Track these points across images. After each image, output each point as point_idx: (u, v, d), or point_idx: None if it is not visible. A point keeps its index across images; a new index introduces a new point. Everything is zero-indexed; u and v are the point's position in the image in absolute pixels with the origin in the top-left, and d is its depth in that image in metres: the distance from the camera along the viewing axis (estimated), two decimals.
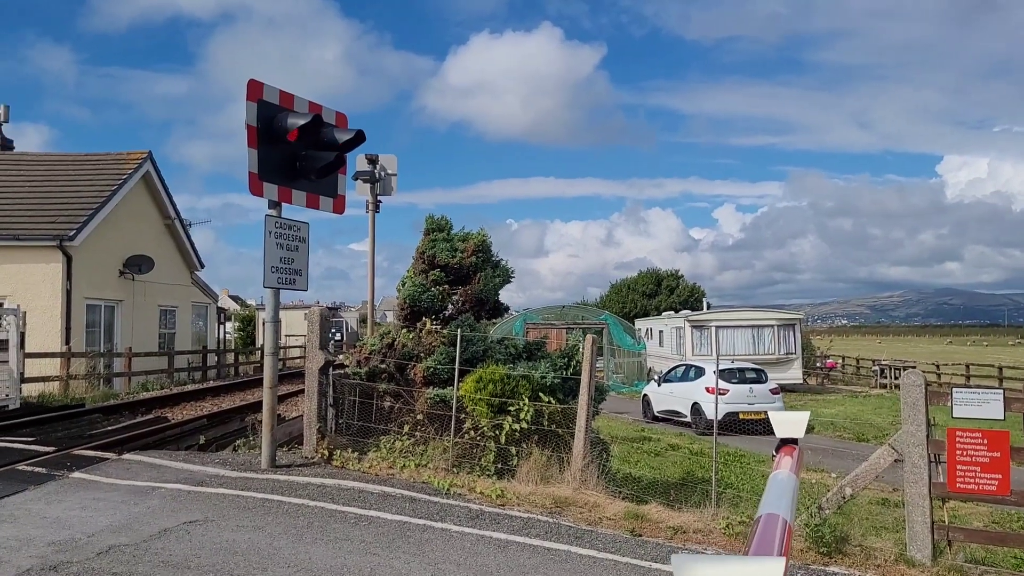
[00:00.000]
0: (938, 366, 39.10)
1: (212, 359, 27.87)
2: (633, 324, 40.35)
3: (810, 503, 7.14)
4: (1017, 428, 8.37)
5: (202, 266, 28.23)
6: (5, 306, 15.68)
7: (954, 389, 6.92)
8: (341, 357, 11.02)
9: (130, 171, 23.06)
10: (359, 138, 8.92)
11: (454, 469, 8.80)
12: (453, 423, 9.24)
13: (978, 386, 15.91)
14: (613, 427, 18.83)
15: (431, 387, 9.81)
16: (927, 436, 6.80)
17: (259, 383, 15.59)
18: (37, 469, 8.53)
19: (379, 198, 15.40)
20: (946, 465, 6.72)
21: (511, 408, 9.09)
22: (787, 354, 30.40)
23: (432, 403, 9.63)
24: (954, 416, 6.77)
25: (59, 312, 19.72)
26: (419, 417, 9.61)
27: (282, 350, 33.33)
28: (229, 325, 46.17)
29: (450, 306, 11.15)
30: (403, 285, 11.08)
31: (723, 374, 19.68)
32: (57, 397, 16.08)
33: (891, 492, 11.67)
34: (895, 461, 6.96)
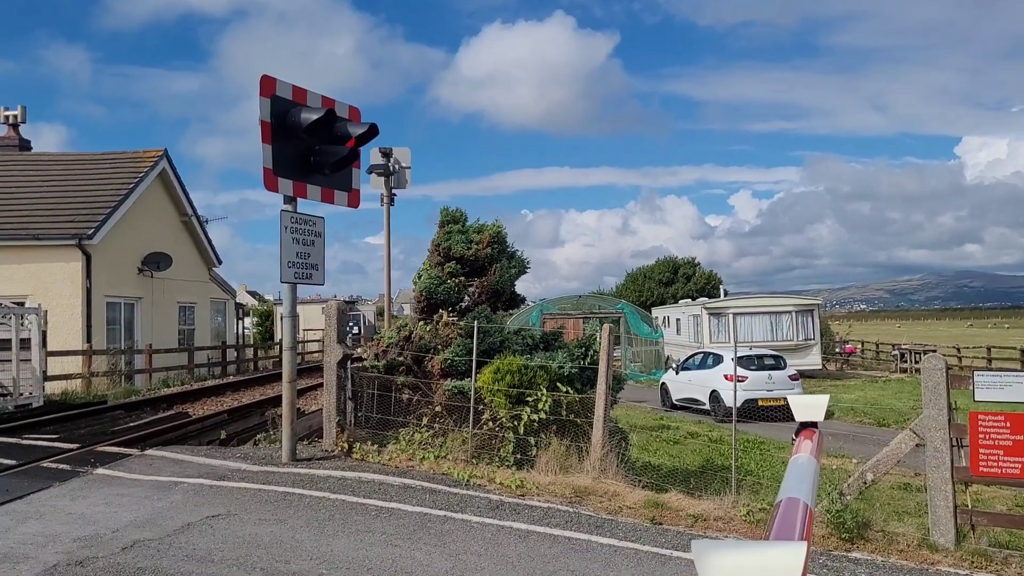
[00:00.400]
0: (959, 349, 38.70)
1: (231, 354, 28.10)
2: (650, 312, 40.20)
3: (831, 489, 7.10)
4: None
5: (220, 262, 28.39)
6: (26, 305, 15.85)
7: (976, 372, 6.85)
8: (359, 350, 11.08)
9: (146, 169, 23.21)
10: (373, 131, 8.91)
11: (473, 460, 8.81)
12: (471, 414, 9.26)
13: (1000, 369, 15.77)
14: (631, 416, 18.81)
15: (449, 379, 9.83)
16: (949, 420, 6.74)
17: (278, 378, 15.70)
18: (61, 466, 8.64)
19: (394, 191, 15.43)
20: (968, 449, 6.66)
21: (529, 399, 9.10)
22: (806, 340, 30.18)
23: (450, 395, 9.65)
24: (976, 399, 6.70)
25: (79, 310, 19.90)
26: (437, 409, 9.63)
27: (300, 344, 33.53)
28: (247, 320, 46.50)
29: (466, 298, 11.16)
30: (419, 278, 11.09)
31: (741, 361, 19.59)
32: (79, 394, 16.23)
33: (913, 477, 11.59)
34: (916, 446, 6.91)
